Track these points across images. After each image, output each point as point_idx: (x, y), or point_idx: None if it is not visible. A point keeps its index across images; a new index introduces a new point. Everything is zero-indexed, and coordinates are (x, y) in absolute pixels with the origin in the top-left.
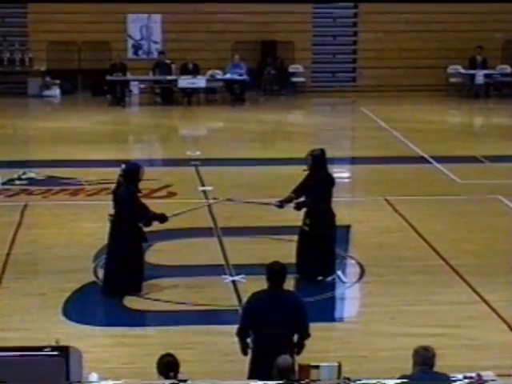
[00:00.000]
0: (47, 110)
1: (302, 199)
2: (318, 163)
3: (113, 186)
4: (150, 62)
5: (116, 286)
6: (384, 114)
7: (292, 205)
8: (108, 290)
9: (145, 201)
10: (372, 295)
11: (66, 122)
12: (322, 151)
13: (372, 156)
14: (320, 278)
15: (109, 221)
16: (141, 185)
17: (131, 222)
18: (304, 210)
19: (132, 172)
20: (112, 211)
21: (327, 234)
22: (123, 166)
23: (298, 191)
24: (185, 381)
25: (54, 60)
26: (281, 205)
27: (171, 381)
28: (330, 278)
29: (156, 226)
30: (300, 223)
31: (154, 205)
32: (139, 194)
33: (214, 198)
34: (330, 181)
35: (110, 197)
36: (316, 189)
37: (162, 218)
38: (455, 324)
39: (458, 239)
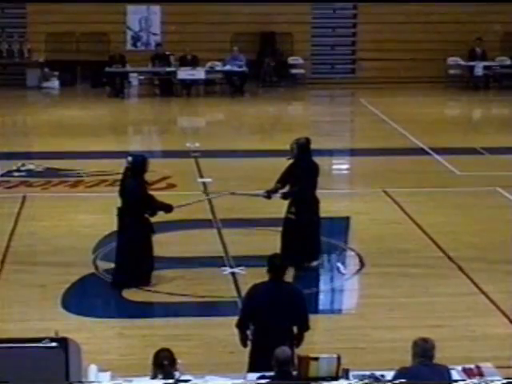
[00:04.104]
0: (46, 102)
1: (287, 188)
2: (304, 152)
3: (112, 177)
4: (149, 53)
5: (126, 278)
6: (383, 106)
7: (279, 195)
8: (119, 283)
9: None
10: (371, 287)
11: (65, 114)
12: (307, 140)
13: (371, 148)
14: (306, 264)
15: (117, 214)
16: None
17: (138, 213)
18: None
19: (139, 164)
20: (119, 204)
21: (312, 221)
22: (129, 158)
23: (282, 180)
24: (183, 381)
25: (52, 51)
26: (268, 195)
27: (167, 381)
28: (315, 263)
29: (155, 217)
30: None
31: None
32: (146, 185)
33: (206, 194)
34: (316, 169)
35: (112, 189)
36: (302, 177)
37: (168, 209)
38: (454, 316)
39: (457, 231)
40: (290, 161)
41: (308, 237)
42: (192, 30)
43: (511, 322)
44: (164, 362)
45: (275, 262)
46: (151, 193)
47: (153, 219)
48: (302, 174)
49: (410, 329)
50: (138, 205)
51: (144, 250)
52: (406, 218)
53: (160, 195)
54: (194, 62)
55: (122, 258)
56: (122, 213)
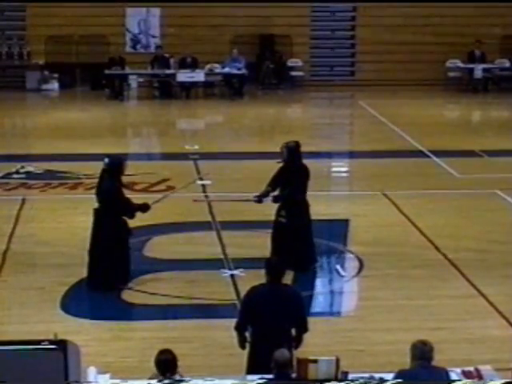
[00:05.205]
0: (45, 104)
1: (277, 192)
2: (294, 155)
3: None
4: (149, 55)
5: (103, 279)
6: (382, 108)
7: (270, 198)
8: (94, 285)
9: (143, 194)
10: (370, 289)
11: (65, 116)
12: (297, 143)
13: (370, 150)
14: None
15: (93, 216)
16: (138, 179)
17: (116, 215)
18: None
19: (115, 166)
20: (95, 206)
21: (304, 225)
22: (106, 160)
23: (273, 184)
24: (181, 381)
25: (52, 54)
26: (259, 199)
27: (165, 381)
28: (311, 267)
29: (154, 219)
30: None
31: (152, 199)
32: (123, 187)
33: (190, 183)
34: (306, 172)
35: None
36: (293, 181)
37: (145, 208)
38: (453, 318)
39: (457, 233)
40: (281, 164)
41: (300, 240)
42: (191, 32)
43: (510, 325)
44: (167, 374)
45: (273, 264)
46: (128, 195)
47: (152, 221)
48: (292, 177)
49: (409, 331)
50: (115, 207)
51: (121, 252)
52: (405, 220)
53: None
54: (193, 65)
55: (98, 260)
56: (98, 214)
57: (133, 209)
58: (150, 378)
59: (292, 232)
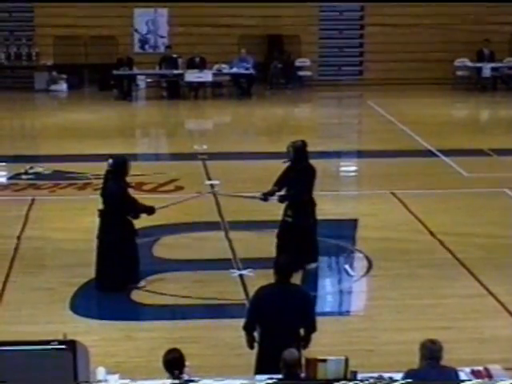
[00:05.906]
0: (54, 105)
1: (284, 191)
2: (300, 155)
3: None
4: (157, 56)
5: (112, 280)
6: (391, 108)
7: (275, 197)
8: (103, 285)
9: (152, 195)
10: (379, 289)
11: (73, 117)
12: (303, 143)
13: (379, 149)
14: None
15: (99, 216)
16: (147, 179)
17: (121, 215)
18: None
19: (119, 166)
20: (100, 206)
21: (310, 224)
22: (110, 160)
23: (279, 183)
24: (190, 381)
25: (60, 55)
26: (265, 198)
27: (175, 381)
28: (313, 265)
29: (162, 219)
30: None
31: (161, 199)
32: (128, 187)
33: (198, 192)
34: (312, 172)
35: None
36: (299, 180)
37: (150, 211)
38: (462, 317)
39: (465, 232)
40: (287, 164)
41: (305, 239)
42: (199, 32)
43: None
44: (175, 372)
45: (282, 263)
46: (134, 196)
47: (160, 221)
48: (298, 177)
49: (418, 331)
50: (120, 207)
51: (128, 252)
52: (413, 219)
53: (168, 198)
54: (201, 65)
55: (104, 260)
56: (103, 215)
57: (139, 209)
58: (164, 366)
59: (297, 231)
